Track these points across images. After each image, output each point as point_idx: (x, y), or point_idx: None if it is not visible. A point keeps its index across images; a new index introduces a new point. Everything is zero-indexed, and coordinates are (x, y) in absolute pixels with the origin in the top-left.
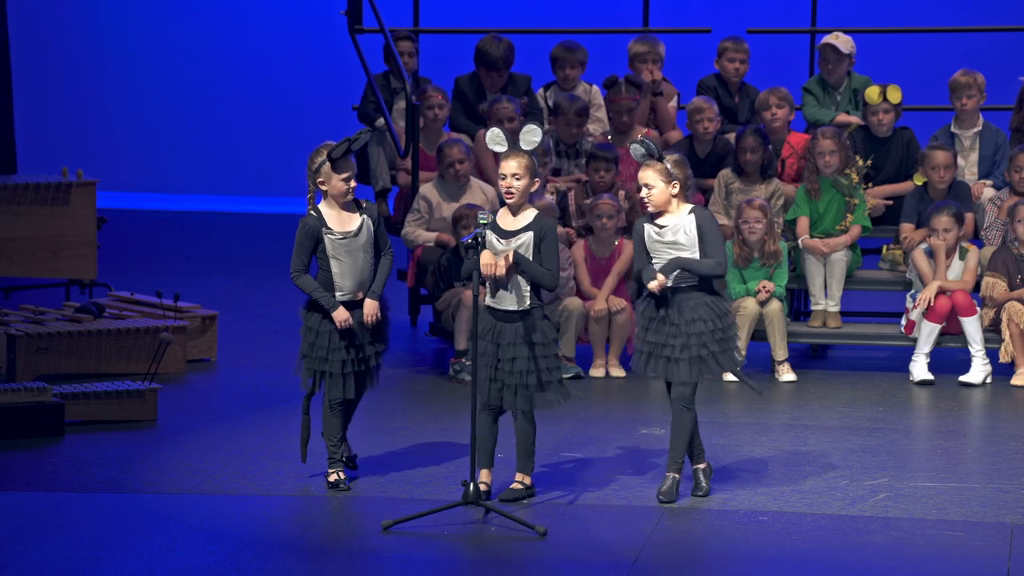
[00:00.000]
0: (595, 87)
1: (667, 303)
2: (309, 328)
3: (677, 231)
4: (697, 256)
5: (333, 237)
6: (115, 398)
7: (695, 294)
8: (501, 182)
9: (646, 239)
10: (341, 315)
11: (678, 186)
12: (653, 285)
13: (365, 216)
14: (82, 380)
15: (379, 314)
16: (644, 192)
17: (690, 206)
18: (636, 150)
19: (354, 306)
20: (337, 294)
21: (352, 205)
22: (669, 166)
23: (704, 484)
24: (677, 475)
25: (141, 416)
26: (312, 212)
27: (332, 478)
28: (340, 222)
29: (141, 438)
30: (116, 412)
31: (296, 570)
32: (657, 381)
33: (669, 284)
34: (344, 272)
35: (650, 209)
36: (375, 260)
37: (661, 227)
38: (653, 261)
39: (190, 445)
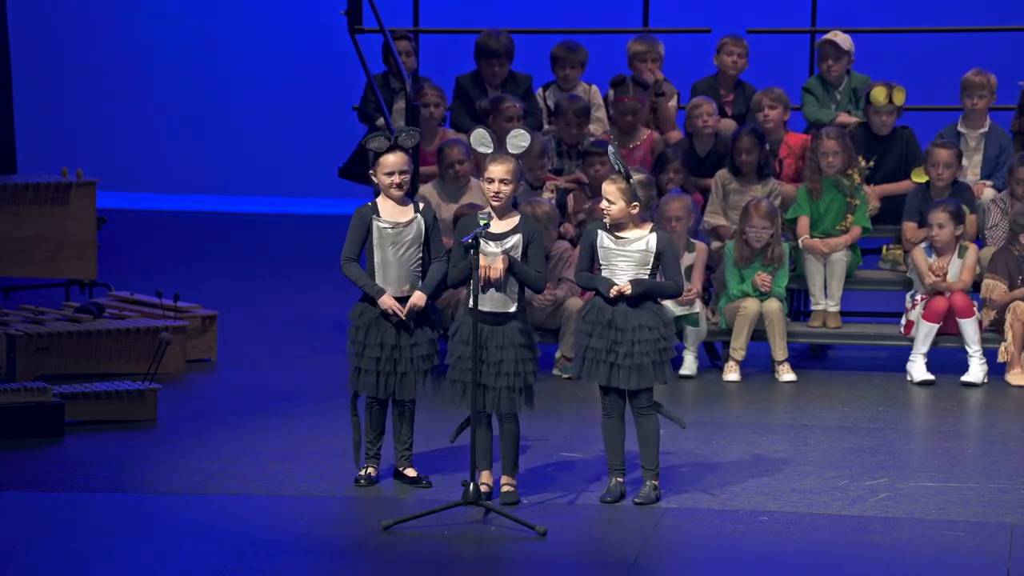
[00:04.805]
0: (595, 87)
1: (615, 310)
2: (352, 323)
3: (637, 244)
4: (647, 273)
5: (381, 225)
6: (115, 398)
7: (643, 302)
8: (488, 185)
9: (598, 246)
10: (387, 300)
11: (638, 207)
12: (615, 290)
13: (420, 215)
14: (82, 380)
15: (421, 307)
16: (604, 205)
17: (651, 225)
18: (611, 157)
19: (398, 302)
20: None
21: (408, 201)
22: (635, 186)
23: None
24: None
25: (141, 416)
26: (369, 203)
27: (361, 472)
28: (392, 213)
29: (141, 438)
30: (116, 412)
31: (296, 570)
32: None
33: (629, 293)
34: (386, 263)
35: (607, 222)
36: (425, 262)
37: (619, 238)
38: (603, 270)
39: (190, 445)
